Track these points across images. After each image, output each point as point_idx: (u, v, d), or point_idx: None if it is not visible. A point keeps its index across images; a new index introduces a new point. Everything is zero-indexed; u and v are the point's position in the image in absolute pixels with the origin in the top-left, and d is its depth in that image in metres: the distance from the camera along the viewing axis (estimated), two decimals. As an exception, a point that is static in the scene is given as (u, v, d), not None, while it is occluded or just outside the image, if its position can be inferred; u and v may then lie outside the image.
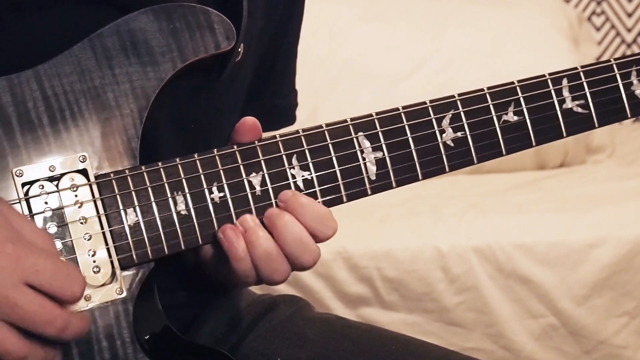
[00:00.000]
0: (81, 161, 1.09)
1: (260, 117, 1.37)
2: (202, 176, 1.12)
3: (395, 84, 3.10)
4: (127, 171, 1.10)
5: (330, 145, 1.17)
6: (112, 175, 1.10)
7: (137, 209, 1.10)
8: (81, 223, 1.08)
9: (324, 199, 1.16)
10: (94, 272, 1.08)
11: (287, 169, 1.15)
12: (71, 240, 1.08)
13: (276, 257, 1.13)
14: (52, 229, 1.07)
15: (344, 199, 1.18)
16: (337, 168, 1.17)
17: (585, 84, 1.25)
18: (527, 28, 3.24)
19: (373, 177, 1.18)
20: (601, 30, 3.88)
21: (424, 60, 3.18)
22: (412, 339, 1.37)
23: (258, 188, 1.14)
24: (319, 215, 1.15)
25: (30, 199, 1.07)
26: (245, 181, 1.14)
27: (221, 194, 1.13)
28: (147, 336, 1.12)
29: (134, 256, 1.10)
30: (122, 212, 1.10)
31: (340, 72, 3.15)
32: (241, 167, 1.14)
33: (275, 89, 1.44)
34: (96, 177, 1.09)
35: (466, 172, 3.14)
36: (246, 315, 1.40)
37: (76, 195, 1.09)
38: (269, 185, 1.14)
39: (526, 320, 2.51)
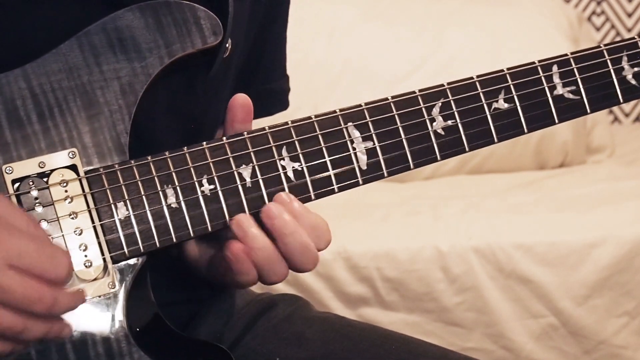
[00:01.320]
0: (70, 157, 1.09)
1: (254, 102, 1.37)
2: (192, 169, 1.12)
3: (395, 84, 3.10)
4: (116, 166, 1.10)
5: (319, 135, 1.16)
6: (101, 170, 1.10)
7: (128, 202, 1.10)
8: (72, 218, 1.08)
9: (315, 189, 1.16)
10: (86, 266, 1.08)
11: (277, 160, 1.15)
12: (62, 235, 1.07)
13: (277, 260, 1.14)
14: (43, 224, 1.07)
15: (335, 189, 1.18)
16: (327, 158, 1.16)
17: (575, 70, 1.25)
18: (527, 28, 3.24)
19: (364, 167, 1.18)
20: (601, 30, 3.87)
21: (424, 60, 3.18)
22: (411, 338, 1.36)
23: (248, 180, 1.14)
24: (315, 226, 1.15)
25: (21, 195, 1.07)
26: (236, 173, 1.13)
27: (211, 187, 1.13)
28: (141, 330, 1.12)
29: (126, 250, 1.10)
30: (113, 206, 1.10)
31: (340, 72, 3.16)
32: (231, 159, 1.13)
33: (266, 73, 1.44)
34: (86, 173, 1.09)
35: (466, 172, 3.14)
36: (244, 314, 1.40)
37: (66, 191, 1.08)
38: (259, 177, 1.14)
39: (526, 320, 2.50)
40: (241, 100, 1.17)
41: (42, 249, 0.97)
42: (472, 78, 1.22)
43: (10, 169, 1.07)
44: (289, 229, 1.13)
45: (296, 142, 1.16)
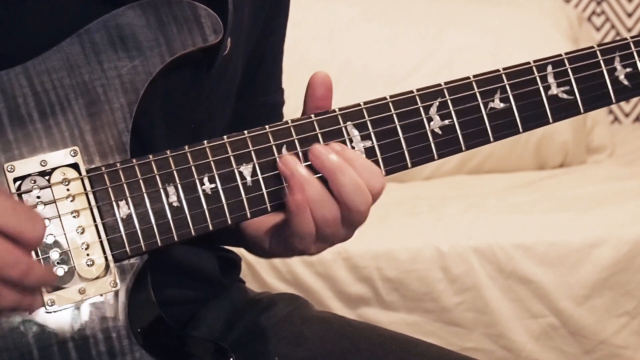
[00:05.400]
0: (72, 155, 1.09)
1: (249, 114, 1.37)
2: (193, 168, 1.12)
3: (395, 84, 3.10)
4: (118, 164, 1.10)
5: (319, 135, 1.17)
6: (103, 168, 1.10)
7: (129, 201, 1.10)
8: (74, 217, 1.08)
9: None
10: (88, 265, 1.08)
11: (278, 159, 1.15)
12: (64, 234, 1.08)
13: (327, 197, 1.14)
14: (45, 222, 1.07)
15: None
16: None
17: (569, 70, 1.26)
18: (527, 28, 3.24)
19: None
20: (601, 30, 3.88)
21: (424, 60, 3.18)
22: (410, 338, 1.37)
23: (249, 178, 1.14)
24: (368, 168, 1.15)
25: (23, 194, 1.07)
26: (236, 172, 1.14)
27: (212, 185, 1.13)
28: (142, 328, 1.12)
29: (128, 249, 1.10)
30: (114, 205, 1.10)
31: (340, 72, 3.16)
32: (231, 157, 1.14)
33: (262, 86, 1.45)
34: (87, 171, 1.10)
35: (466, 172, 3.14)
36: (244, 313, 1.40)
37: (68, 189, 1.09)
38: (260, 176, 1.14)
39: (526, 320, 2.51)
40: (321, 77, 1.19)
41: (21, 209, 0.99)
42: (468, 78, 1.23)
43: (12, 167, 1.07)
44: (338, 166, 1.14)
45: (296, 141, 1.16)
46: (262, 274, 2.54)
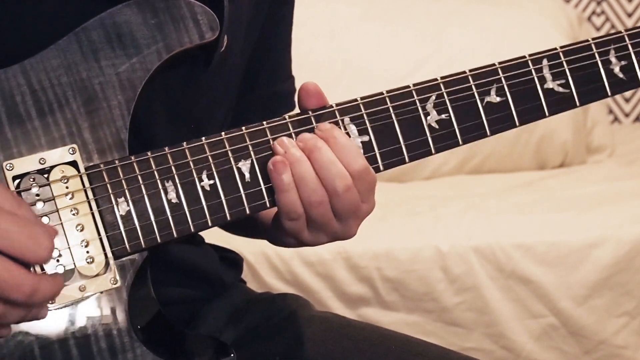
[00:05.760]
0: (71, 153, 1.09)
1: (261, 105, 1.37)
2: (191, 164, 1.12)
3: (395, 83, 3.04)
4: (116, 161, 1.11)
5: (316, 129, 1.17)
6: (102, 165, 1.10)
7: (128, 198, 1.10)
8: (73, 214, 1.08)
9: None
10: (88, 262, 1.08)
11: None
12: (63, 232, 1.07)
13: (314, 177, 1.14)
14: (44, 220, 1.07)
15: None
16: None
17: (564, 63, 1.26)
18: (527, 28, 3.24)
19: None
20: (601, 30, 3.88)
21: (424, 60, 3.18)
22: (411, 338, 1.36)
23: (247, 174, 1.14)
24: (349, 149, 1.15)
25: (22, 192, 1.07)
26: (235, 168, 1.14)
27: (211, 182, 1.13)
28: (143, 325, 1.12)
29: (127, 246, 1.10)
30: (114, 202, 1.10)
31: (340, 72, 3.16)
32: (230, 153, 1.14)
33: (272, 76, 1.45)
34: (86, 169, 1.10)
35: (466, 172, 3.14)
36: (245, 313, 1.40)
37: (67, 187, 1.09)
38: (258, 171, 1.15)
39: (526, 320, 2.51)
40: (312, 88, 1.18)
41: (24, 229, 0.96)
42: (464, 72, 1.23)
43: (11, 165, 1.07)
44: (312, 146, 1.14)
45: (293, 136, 1.16)
46: (262, 274, 2.54)
